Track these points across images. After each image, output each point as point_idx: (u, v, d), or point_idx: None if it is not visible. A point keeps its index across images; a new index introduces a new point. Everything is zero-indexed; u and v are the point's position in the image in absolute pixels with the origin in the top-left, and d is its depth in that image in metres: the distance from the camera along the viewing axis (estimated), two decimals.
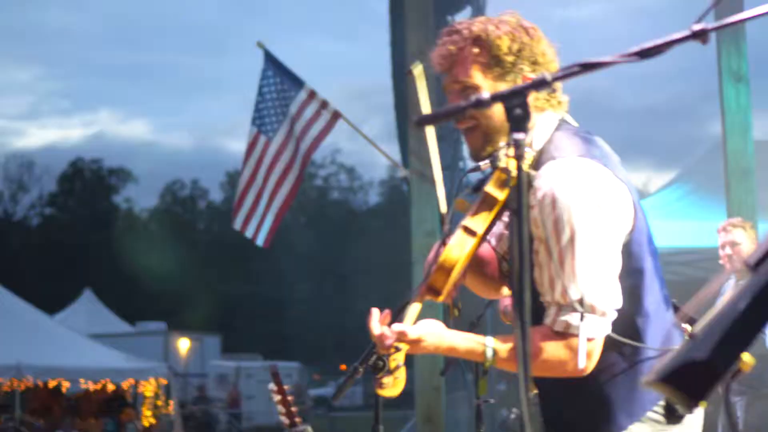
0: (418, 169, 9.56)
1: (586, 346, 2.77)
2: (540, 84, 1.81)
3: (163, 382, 21.84)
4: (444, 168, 11.32)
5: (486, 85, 2.97)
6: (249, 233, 9.86)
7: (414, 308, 2.96)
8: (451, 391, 14.33)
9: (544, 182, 2.81)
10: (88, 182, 71.74)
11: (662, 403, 2.92)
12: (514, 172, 2.40)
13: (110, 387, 21.34)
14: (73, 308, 32.33)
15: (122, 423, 19.10)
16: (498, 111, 2.86)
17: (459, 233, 2.86)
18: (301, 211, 69.34)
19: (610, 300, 2.81)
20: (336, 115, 9.70)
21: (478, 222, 2.85)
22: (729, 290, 7.50)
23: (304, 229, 65.40)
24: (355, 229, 61.93)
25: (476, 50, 2.99)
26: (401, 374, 2.92)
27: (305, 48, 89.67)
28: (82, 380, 20.74)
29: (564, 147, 2.89)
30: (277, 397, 2.87)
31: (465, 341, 2.93)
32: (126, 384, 21.48)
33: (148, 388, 21.65)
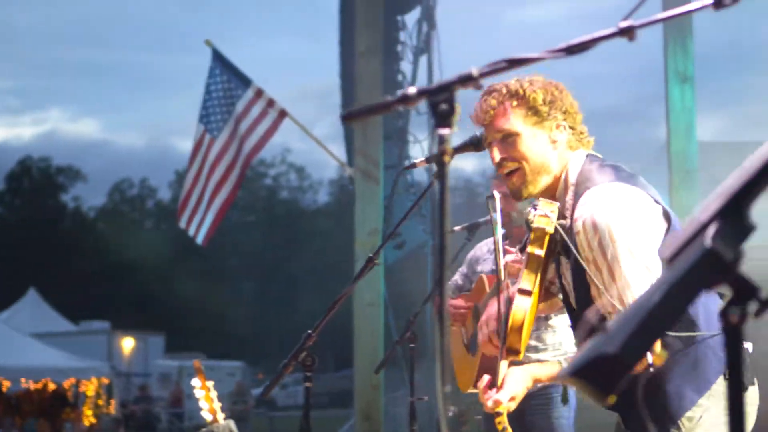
0: (363, 168, 9.58)
1: None
2: (466, 79, 1.82)
3: (105, 381, 21.73)
4: (389, 167, 11.38)
5: (526, 131, 3.45)
6: (191, 231, 9.86)
7: (503, 367, 3.40)
8: (393, 390, 14.35)
9: (584, 210, 3.23)
10: (36, 181, 71.03)
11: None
12: (548, 229, 3.24)
13: (51, 386, 21.19)
14: (16, 307, 32.04)
15: (61, 422, 18.94)
16: (538, 150, 3.44)
17: (518, 297, 3.30)
18: (250, 210, 69.07)
19: None
20: (282, 114, 9.70)
21: (529, 281, 3.31)
22: None
23: (252, 228, 65.15)
24: (304, 228, 61.75)
25: (515, 103, 3.44)
26: None
27: (259, 48, 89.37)
28: (23, 379, 20.59)
29: (595, 177, 3.34)
30: (201, 393, 2.87)
31: (545, 369, 3.46)
32: (67, 383, 21.34)
33: (90, 387, 21.53)
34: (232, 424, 2.90)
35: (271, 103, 9.72)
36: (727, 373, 1.54)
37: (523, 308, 3.27)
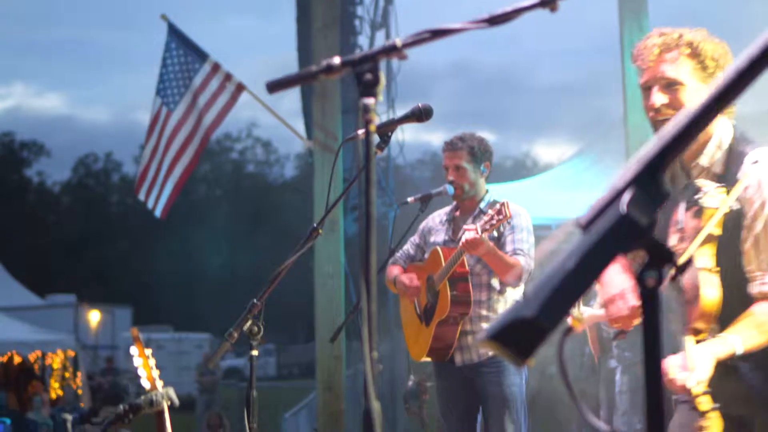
0: (322, 142, 9.58)
1: None
2: (390, 50, 1.84)
3: (71, 354, 21.66)
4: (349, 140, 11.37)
5: (691, 83, 3.46)
6: (150, 204, 9.84)
7: (689, 347, 3.29)
8: (356, 362, 14.39)
9: (756, 169, 3.33)
10: None
11: None
12: (724, 209, 3.30)
13: (17, 359, 21.11)
14: None
15: (28, 395, 18.87)
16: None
17: (705, 275, 3.33)
18: (217, 185, 68.86)
19: None
20: (240, 88, 9.68)
21: (710, 258, 3.33)
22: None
23: (219, 202, 64.95)
24: (271, 202, 61.64)
25: (687, 52, 3.45)
26: (715, 414, 3.22)
27: (218, 24, 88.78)
28: None
29: (750, 140, 3.47)
30: (139, 361, 2.88)
31: (720, 346, 3.32)
32: (33, 356, 21.27)
33: (56, 360, 21.46)
34: (171, 391, 2.91)
35: (228, 77, 9.70)
36: (644, 338, 1.56)
37: (712, 287, 3.31)
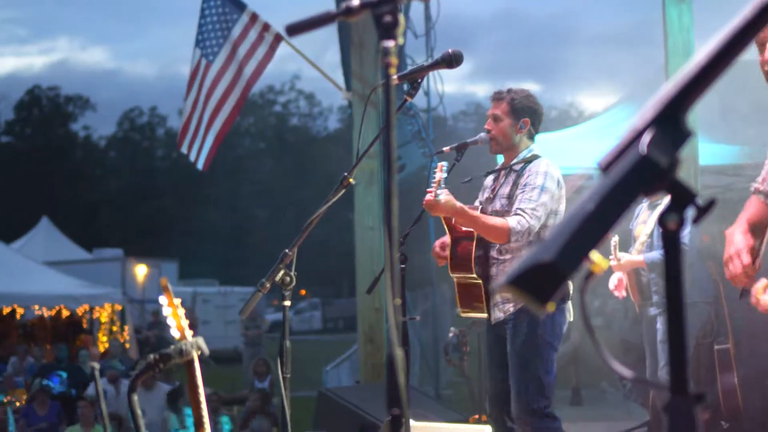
0: (360, 93, 9.55)
1: None
2: None
3: (118, 308, 21.88)
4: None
5: None
6: (192, 157, 9.84)
7: None
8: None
9: None
10: (45, 110, 70.95)
11: None
12: None
13: (65, 313, 21.37)
14: (30, 236, 32.20)
15: (76, 348, 19.12)
16: None
17: None
18: (261, 138, 68.97)
19: None
20: (278, 38, 9.63)
21: None
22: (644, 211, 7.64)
23: (263, 155, 65.09)
24: (314, 155, 61.68)
25: None
26: None
27: None
28: (36, 307, 20.75)
29: None
30: (168, 311, 2.89)
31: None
32: (81, 310, 21.52)
33: (103, 314, 21.70)
34: (201, 340, 2.91)
35: (266, 27, 9.64)
36: (666, 281, 1.54)
37: None
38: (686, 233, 6.82)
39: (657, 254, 7.00)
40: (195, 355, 2.82)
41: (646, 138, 1.48)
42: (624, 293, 7.40)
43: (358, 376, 10.56)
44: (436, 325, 15.87)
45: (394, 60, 1.78)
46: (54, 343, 20.20)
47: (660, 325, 7.14)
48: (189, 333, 2.88)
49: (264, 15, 9.82)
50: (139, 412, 2.78)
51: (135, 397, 2.74)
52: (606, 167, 1.52)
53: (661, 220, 1.51)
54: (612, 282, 7.46)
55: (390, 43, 1.78)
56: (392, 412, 1.79)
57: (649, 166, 1.47)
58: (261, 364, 15.39)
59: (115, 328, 21.89)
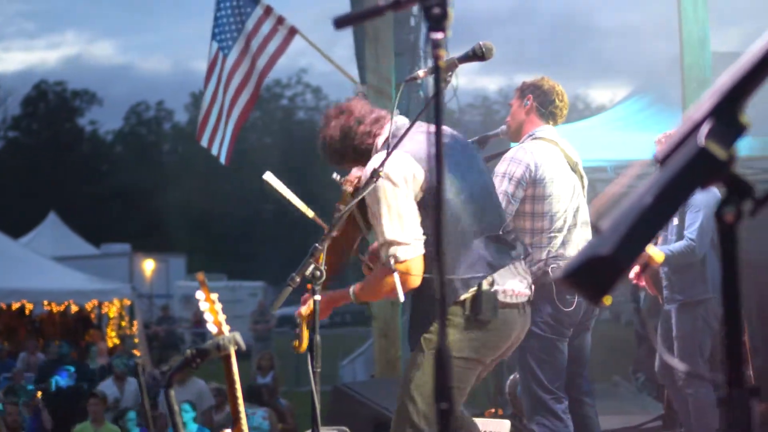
0: (375, 86, 9.54)
1: None
2: None
3: (127, 303, 21.88)
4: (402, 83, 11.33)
5: None
6: (214, 150, 9.84)
7: None
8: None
9: None
10: (51, 105, 70.97)
11: None
12: None
13: (74, 308, 21.37)
14: (38, 231, 32.27)
15: (85, 344, 19.12)
16: None
17: None
18: (267, 132, 68.91)
19: None
20: (293, 32, 9.61)
21: None
22: None
23: (270, 149, 65.03)
24: None
25: None
26: None
27: None
28: (45, 302, 20.77)
29: None
30: (206, 305, 2.88)
31: None
32: (89, 305, 21.52)
33: (112, 309, 21.71)
34: (237, 335, 2.91)
35: (280, 20, 9.62)
36: (724, 275, 1.53)
37: None
38: (694, 228, 6.77)
39: (672, 247, 6.91)
40: (232, 350, 2.81)
41: (704, 130, 1.48)
42: (644, 283, 7.34)
43: (373, 371, 10.55)
44: None
45: (442, 52, 1.77)
46: (63, 338, 20.22)
47: (675, 320, 7.03)
48: (226, 328, 2.87)
49: (278, 8, 9.81)
50: (176, 408, 2.78)
51: (172, 392, 2.73)
52: (663, 159, 1.52)
53: (718, 213, 1.50)
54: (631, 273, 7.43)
55: (440, 35, 1.77)
56: (441, 407, 1.79)
57: (708, 159, 1.46)
58: (266, 358, 15.36)
59: (123, 323, 21.90)
